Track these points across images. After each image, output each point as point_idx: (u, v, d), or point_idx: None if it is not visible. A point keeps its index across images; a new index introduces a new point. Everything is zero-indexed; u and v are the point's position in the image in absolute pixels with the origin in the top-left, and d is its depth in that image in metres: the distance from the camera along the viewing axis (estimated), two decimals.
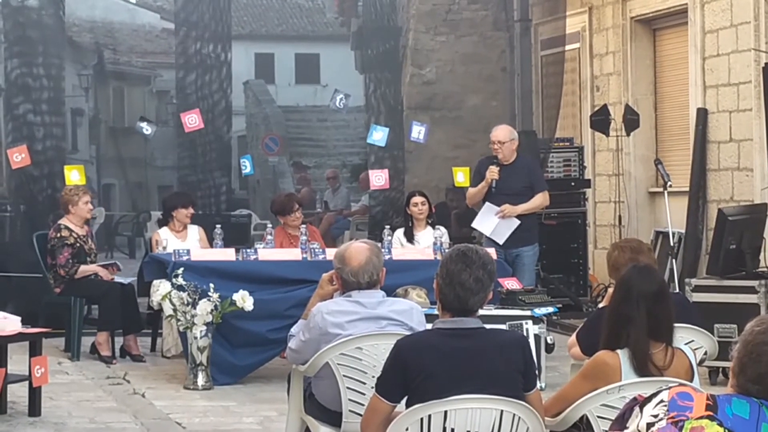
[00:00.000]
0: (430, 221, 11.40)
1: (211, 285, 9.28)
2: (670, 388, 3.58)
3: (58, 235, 10.72)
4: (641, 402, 3.59)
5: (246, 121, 25.69)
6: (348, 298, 5.69)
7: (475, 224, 11.10)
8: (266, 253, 9.97)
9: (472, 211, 11.44)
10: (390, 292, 7.91)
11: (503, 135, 11.04)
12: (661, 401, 3.52)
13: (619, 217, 14.15)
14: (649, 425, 3.48)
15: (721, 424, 3.44)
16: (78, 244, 10.77)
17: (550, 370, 9.54)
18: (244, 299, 9.25)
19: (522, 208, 10.92)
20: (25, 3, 13.70)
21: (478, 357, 4.66)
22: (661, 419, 3.48)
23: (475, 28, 16.16)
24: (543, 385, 8.63)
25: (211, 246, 10.58)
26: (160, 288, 9.52)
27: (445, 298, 4.74)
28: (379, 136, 12.16)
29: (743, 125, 12.23)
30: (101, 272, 10.87)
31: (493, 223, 10.89)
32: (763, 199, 11.62)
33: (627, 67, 14.27)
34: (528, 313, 9.25)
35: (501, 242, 10.82)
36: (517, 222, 10.88)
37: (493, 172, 10.85)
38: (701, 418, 3.45)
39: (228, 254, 9.91)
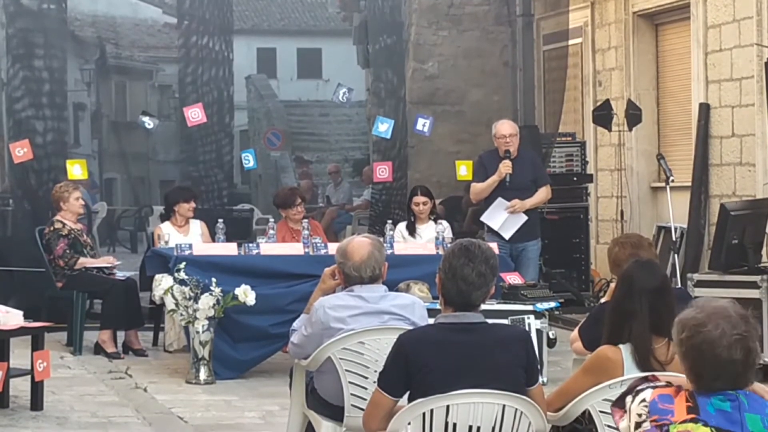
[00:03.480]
0: (432, 217, 11.39)
1: (213, 279, 9.28)
2: (654, 387, 3.60)
3: (52, 228, 10.79)
4: (634, 389, 3.61)
5: (248, 115, 25.71)
6: (350, 292, 5.69)
7: (484, 218, 11.06)
8: (268, 247, 9.97)
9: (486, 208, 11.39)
10: (392, 286, 7.90)
11: (511, 128, 11.04)
12: (643, 401, 3.54)
13: (621, 212, 14.15)
14: (638, 425, 3.51)
15: (706, 424, 3.46)
16: (72, 236, 10.80)
17: (552, 365, 9.55)
18: (246, 294, 9.25)
19: (530, 202, 10.94)
20: None
21: (480, 352, 4.66)
22: (644, 421, 3.50)
23: (478, 22, 16.14)
24: (545, 379, 8.63)
25: (213, 240, 10.59)
26: (162, 282, 9.53)
27: (448, 292, 4.74)
28: (384, 128, 12.16)
29: (745, 120, 12.22)
30: (103, 263, 10.93)
31: (502, 217, 10.89)
32: (765, 194, 11.62)
33: (629, 62, 14.26)
34: (530, 307, 9.26)
35: (508, 237, 10.83)
36: (525, 217, 10.89)
37: (507, 166, 10.82)
38: (685, 422, 3.46)
39: (230, 249, 9.91)
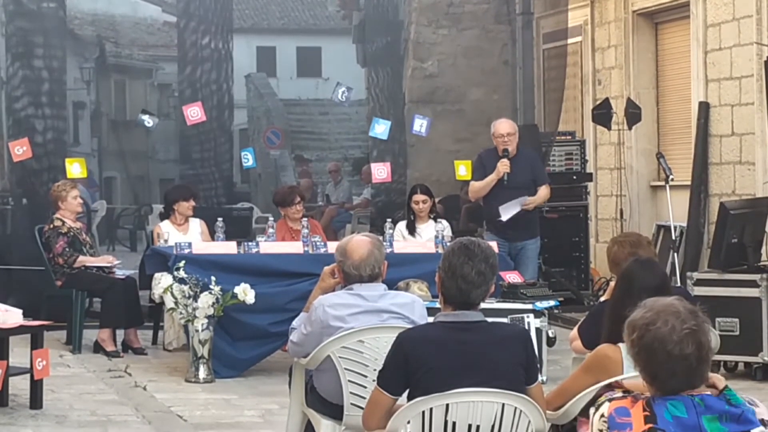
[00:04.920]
0: (432, 215, 11.39)
1: (213, 278, 9.28)
2: (611, 400, 3.61)
3: (52, 226, 10.80)
4: (597, 399, 3.63)
5: (248, 114, 25.69)
6: (349, 291, 5.69)
7: (501, 208, 10.95)
8: (268, 246, 9.97)
9: (484, 207, 11.35)
10: (392, 285, 7.90)
11: (510, 127, 11.04)
12: (602, 416, 3.55)
13: (621, 210, 14.15)
14: None
15: None
16: (72, 234, 10.80)
17: (552, 364, 9.55)
18: (245, 292, 9.25)
19: (538, 200, 11.00)
20: None
21: (479, 350, 4.66)
22: None
23: (477, 21, 16.13)
24: (544, 378, 8.63)
25: (213, 239, 10.59)
26: (162, 281, 9.52)
27: (447, 291, 4.74)
28: (381, 129, 12.14)
29: (745, 119, 12.22)
30: (102, 262, 10.94)
31: (514, 210, 10.86)
32: (765, 192, 11.62)
33: (629, 61, 14.26)
34: (529, 306, 9.26)
35: (505, 220, 10.77)
36: (520, 207, 10.87)
37: (505, 165, 10.83)
38: None
39: (229, 247, 9.91)
